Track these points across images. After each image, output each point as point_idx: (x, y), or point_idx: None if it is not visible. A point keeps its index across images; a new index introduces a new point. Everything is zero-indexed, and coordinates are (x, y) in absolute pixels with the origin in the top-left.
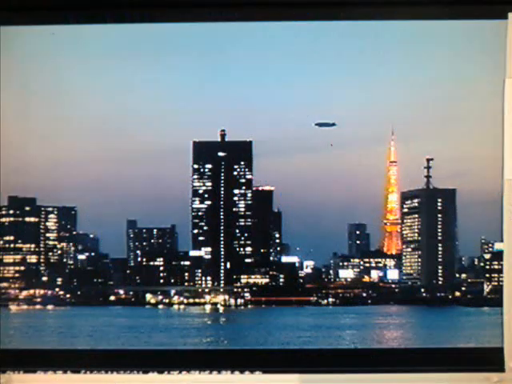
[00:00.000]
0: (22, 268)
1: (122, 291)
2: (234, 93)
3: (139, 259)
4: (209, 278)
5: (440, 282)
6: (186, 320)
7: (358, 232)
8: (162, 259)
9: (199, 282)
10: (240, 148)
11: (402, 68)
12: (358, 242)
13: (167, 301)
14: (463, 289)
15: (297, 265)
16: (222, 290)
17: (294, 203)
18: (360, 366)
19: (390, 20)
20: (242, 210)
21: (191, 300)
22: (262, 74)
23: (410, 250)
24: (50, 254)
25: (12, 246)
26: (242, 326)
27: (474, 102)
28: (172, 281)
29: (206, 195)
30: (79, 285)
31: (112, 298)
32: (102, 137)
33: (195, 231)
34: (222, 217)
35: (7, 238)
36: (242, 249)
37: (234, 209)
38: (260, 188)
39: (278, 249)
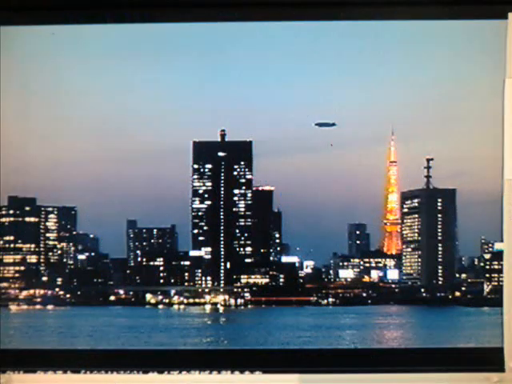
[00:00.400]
0: (22, 268)
1: (122, 291)
2: (234, 93)
3: (139, 259)
4: (209, 278)
5: (440, 282)
6: (186, 320)
7: (358, 232)
8: (161, 259)
9: (199, 282)
10: (240, 148)
11: (402, 68)
12: (358, 242)
13: (167, 301)
14: (463, 289)
15: (297, 265)
16: (221, 290)
17: (294, 203)
18: (360, 366)
19: (389, 20)
20: (242, 210)
21: (191, 300)
22: (262, 74)
23: (410, 250)
24: (50, 254)
25: (12, 245)
26: (242, 325)
27: (474, 102)
28: (172, 281)
29: (206, 195)
30: (79, 285)
31: (112, 297)
32: (102, 137)
33: (195, 231)
34: (222, 217)
35: (7, 238)
36: (242, 249)
37: (234, 209)
38: (260, 188)
39: (278, 249)
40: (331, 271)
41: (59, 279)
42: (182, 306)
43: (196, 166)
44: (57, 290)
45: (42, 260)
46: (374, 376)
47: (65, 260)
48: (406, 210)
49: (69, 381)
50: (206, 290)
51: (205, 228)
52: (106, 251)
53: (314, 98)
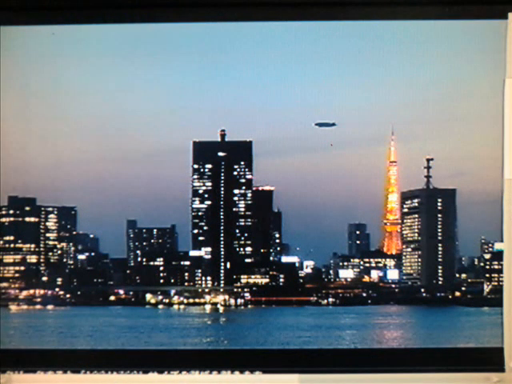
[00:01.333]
0: (22, 268)
1: (121, 291)
2: (234, 93)
3: (139, 259)
4: (209, 278)
5: (440, 282)
6: (186, 320)
7: (357, 232)
8: (161, 259)
9: (199, 282)
10: (240, 148)
11: (402, 68)
12: (357, 242)
13: (167, 301)
14: (463, 289)
15: (297, 265)
16: (221, 290)
17: (294, 203)
18: (360, 366)
19: (389, 20)
20: (242, 210)
21: (191, 300)
22: (262, 73)
23: (410, 250)
24: (50, 254)
25: (12, 246)
26: (242, 325)
27: (474, 101)
28: (172, 281)
29: (206, 195)
30: (79, 285)
31: (112, 298)
32: (102, 137)
33: (195, 231)
34: (222, 217)
35: (7, 238)
36: (242, 249)
37: (234, 209)
38: (260, 188)
39: (278, 249)
40: (331, 271)
41: (59, 279)
42: (182, 306)
43: (196, 166)
44: (57, 289)
45: (42, 260)
46: (374, 376)
47: (65, 260)
48: (406, 210)
49: (69, 381)
50: (206, 290)
51: (205, 228)
52: (105, 251)
53: (314, 98)
